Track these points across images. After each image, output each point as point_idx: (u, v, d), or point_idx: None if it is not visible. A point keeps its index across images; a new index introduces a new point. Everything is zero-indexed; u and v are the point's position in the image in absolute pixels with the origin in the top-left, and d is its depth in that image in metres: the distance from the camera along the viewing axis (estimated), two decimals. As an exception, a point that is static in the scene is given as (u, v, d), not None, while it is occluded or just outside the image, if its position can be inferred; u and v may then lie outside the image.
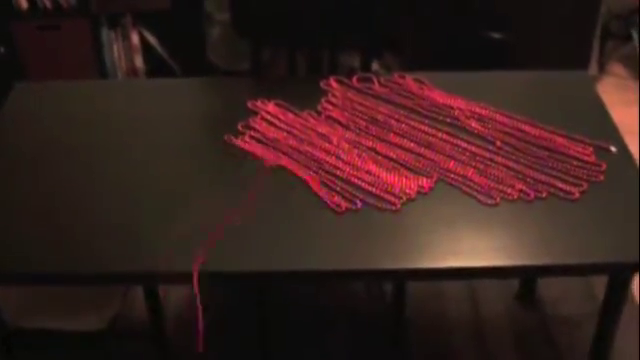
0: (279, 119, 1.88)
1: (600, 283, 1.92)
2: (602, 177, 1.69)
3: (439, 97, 1.95)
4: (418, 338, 2.31)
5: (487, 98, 1.93)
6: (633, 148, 1.81)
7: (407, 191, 1.65)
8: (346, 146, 1.79)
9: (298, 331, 2.32)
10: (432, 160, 1.74)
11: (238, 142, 1.81)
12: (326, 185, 1.67)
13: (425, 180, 1.68)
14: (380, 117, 1.89)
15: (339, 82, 2.02)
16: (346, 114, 1.90)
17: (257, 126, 1.86)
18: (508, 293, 2.44)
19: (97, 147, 1.82)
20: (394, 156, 1.76)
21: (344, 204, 1.62)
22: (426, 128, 1.85)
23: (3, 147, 1.84)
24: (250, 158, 1.76)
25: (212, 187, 1.69)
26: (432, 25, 3.17)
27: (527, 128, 1.84)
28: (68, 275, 1.53)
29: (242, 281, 1.92)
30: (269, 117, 1.89)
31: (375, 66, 2.53)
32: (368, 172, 1.71)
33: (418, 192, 1.65)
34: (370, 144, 1.80)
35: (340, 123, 1.88)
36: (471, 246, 1.52)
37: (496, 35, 3.13)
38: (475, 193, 1.65)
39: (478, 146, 1.79)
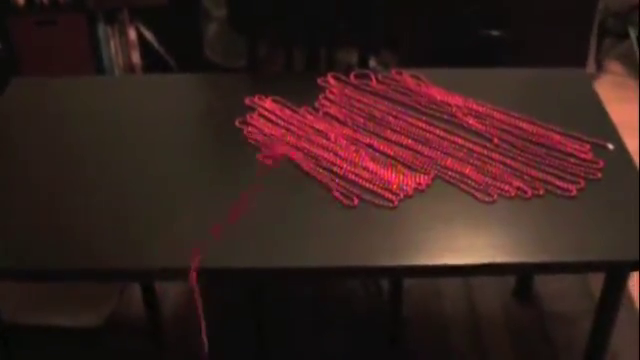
0: (276, 115, 1.88)
1: (597, 280, 1.92)
2: (599, 175, 1.69)
3: (437, 94, 1.95)
4: (415, 335, 2.31)
5: (485, 95, 1.93)
6: (630, 146, 1.81)
7: (404, 188, 1.65)
8: (343, 143, 1.79)
9: (296, 328, 2.32)
10: (429, 157, 1.74)
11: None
12: (323, 182, 1.67)
13: (422, 177, 1.68)
14: (377, 114, 1.89)
15: (336, 79, 2.01)
16: (343, 111, 1.90)
17: (254, 122, 1.86)
18: (505, 290, 2.44)
19: (94, 142, 1.82)
20: (391, 153, 1.76)
21: (341, 201, 1.62)
22: (424, 125, 1.85)
23: (-1, 143, 1.84)
24: (247, 154, 1.76)
25: (209, 183, 1.69)
26: (430, 22, 3.17)
27: (525, 125, 1.84)
28: (65, 272, 1.53)
29: (238, 278, 1.92)
30: (266, 113, 1.89)
31: (373, 63, 2.52)
32: (365, 169, 1.71)
33: (415, 189, 1.65)
34: (367, 141, 1.80)
35: (337, 120, 1.87)
36: (468, 243, 1.52)
37: (494, 32, 3.13)
38: (472, 190, 1.65)
39: (475, 143, 1.79)
